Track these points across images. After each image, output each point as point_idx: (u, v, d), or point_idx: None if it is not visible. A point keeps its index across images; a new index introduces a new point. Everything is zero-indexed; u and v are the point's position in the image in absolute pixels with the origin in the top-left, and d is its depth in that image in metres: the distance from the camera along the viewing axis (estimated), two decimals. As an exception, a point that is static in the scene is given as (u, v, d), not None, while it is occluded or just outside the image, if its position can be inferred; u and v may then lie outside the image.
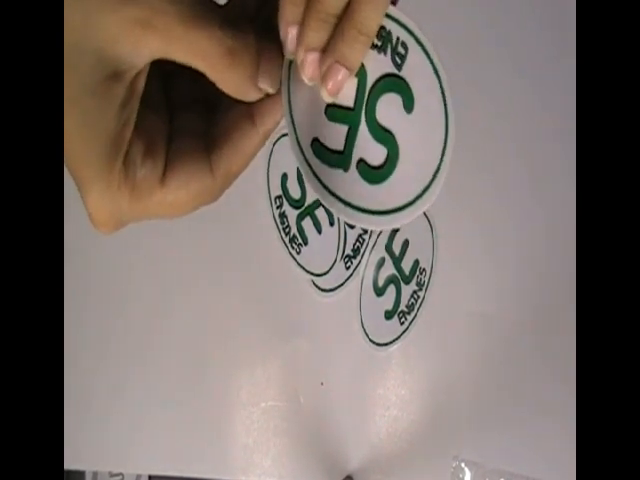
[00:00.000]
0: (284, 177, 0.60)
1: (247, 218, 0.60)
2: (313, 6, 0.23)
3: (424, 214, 0.59)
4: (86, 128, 0.21)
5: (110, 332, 0.62)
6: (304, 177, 0.25)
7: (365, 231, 0.60)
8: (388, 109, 0.24)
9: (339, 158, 0.25)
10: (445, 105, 0.24)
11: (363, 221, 0.25)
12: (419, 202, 0.24)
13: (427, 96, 0.24)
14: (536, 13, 0.56)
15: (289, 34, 0.23)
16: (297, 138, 0.25)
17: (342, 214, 0.25)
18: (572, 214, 0.56)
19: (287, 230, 0.60)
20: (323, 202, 0.25)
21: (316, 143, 0.25)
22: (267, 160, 0.61)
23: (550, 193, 0.56)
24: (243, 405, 0.59)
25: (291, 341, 0.59)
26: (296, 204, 0.60)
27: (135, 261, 0.62)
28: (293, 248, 0.60)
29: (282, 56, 0.24)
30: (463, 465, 0.56)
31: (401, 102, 0.24)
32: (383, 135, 0.25)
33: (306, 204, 0.60)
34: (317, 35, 0.23)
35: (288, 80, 0.25)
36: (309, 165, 0.25)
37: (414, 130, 0.25)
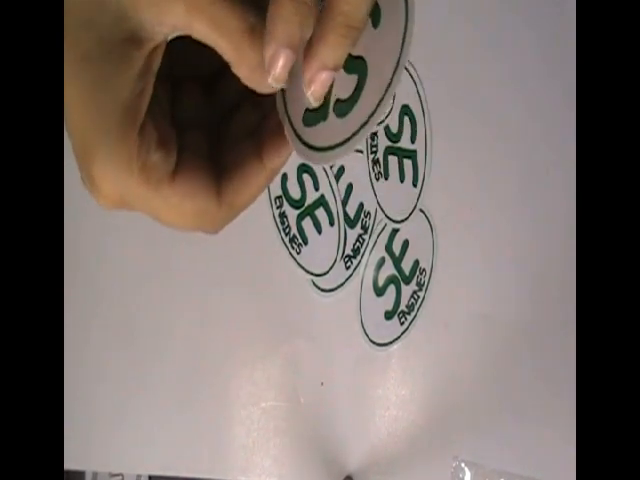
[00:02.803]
0: (284, 177, 0.60)
1: (247, 218, 0.60)
2: (334, 18, 0.21)
3: (424, 214, 0.59)
4: (99, 88, 0.20)
5: (110, 332, 0.62)
6: (293, 147, 0.24)
7: (365, 231, 0.60)
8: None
9: (320, 112, 0.24)
10: (407, 10, 0.22)
11: (327, 158, 0.23)
12: (376, 114, 0.23)
13: (392, 4, 0.23)
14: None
15: (281, 58, 0.21)
16: (287, 114, 0.24)
17: (323, 161, 0.24)
18: (572, 215, 0.56)
19: (287, 230, 0.60)
20: (311, 162, 0.24)
21: (306, 112, 0.24)
22: (267, 160, 0.61)
23: (550, 193, 0.56)
24: (243, 405, 0.59)
25: (291, 341, 0.59)
26: (296, 204, 0.60)
27: (135, 261, 0.62)
28: (293, 248, 0.60)
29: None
30: (463, 465, 0.56)
31: (370, 20, 0.23)
32: (353, 64, 0.23)
33: (306, 204, 0.60)
34: (337, 53, 0.21)
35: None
36: (297, 135, 0.24)
37: (379, 45, 0.23)
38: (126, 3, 0.19)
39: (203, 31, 0.21)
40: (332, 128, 0.24)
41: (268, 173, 0.24)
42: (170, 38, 0.23)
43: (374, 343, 0.59)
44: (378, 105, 0.23)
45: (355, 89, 0.24)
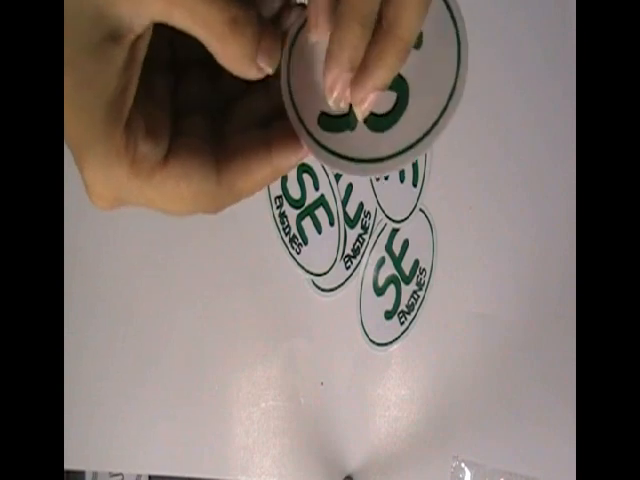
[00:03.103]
0: (284, 177, 0.60)
1: (247, 218, 0.60)
2: (394, 43, 0.21)
3: (424, 214, 0.59)
4: (84, 89, 0.20)
5: (110, 332, 0.62)
6: (311, 152, 0.24)
7: (365, 231, 0.60)
8: None
9: (344, 121, 0.24)
10: (458, 36, 0.23)
11: (373, 171, 0.24)
12: (429, 137, 0.24)
13: (437, 28, 0.23)
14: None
15: (341, 81, 0.22)
16: (299, 116, 0.24)
17: (352, 172, 0.24)
18: (572, 215, 0.56)
19: (287, 230, 0.60)
20: (334, 168, 0.24)
21: (323, 117, 0.24)
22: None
23: (550, 193, 0.56)
24: (243, 405, 0.59)
25: (291, 341, 0.59)
26: (296, 204, 0.60)
27: (135, 261, 0.62)
28: (293, 248, 0.60)
29: (282, 38, 0.24)
30: (463, 465, 0.56)
31: None
32: (393, 79, 0.23)
33: (306, 204, 0.60)
34: (390, 75, 0.22)
35: (288, 63, 0.24)
36: (314, 139, 0.24)
37: (423, 66, 0.23)
38: (101, 1, 0.19)
39: (184, 23, 0.20)
40: (366, 140, 0.24)
41: (275, 167, 0.24)
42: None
43: (374, 343, 0.59)
44: (432, 128, 0.24)
45: (395, 106, 0.24)
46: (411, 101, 0.24)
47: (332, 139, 0.24)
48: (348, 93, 0.22)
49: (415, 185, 0.57)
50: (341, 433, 0.58)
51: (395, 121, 0.24)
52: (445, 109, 0.24)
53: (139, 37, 0.21)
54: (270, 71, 0.23)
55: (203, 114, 0.25)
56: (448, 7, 0.24)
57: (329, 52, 0.21)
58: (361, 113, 0.23)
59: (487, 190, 0.57)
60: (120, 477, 0.81)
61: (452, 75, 0.24)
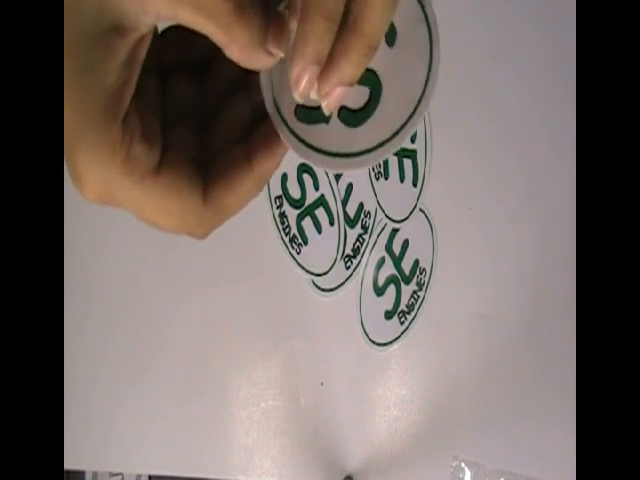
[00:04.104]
0: (284, 177, 0.60)
1: (247, 218, 0.60)
2: (358, 38, 0.21)
3: (424, 214, 0.59)
4: (85, 77, 0.20)
5: (110, 333, 0.62)
6: (286, 143, 0.24)
7: (365, 231, 0.60)
8: None
9: (319, 113, 0.24)
10: (430, 34, 0.24)
11: (345, 166, 0.24)
12: (401, 134, 0.24)
13: (410, 26, 0.24)
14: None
15: (307, 74, 0.22)
16: (277, 106, 0.25)
17: (325, 165, 0.24)
18: (573, 215, 0.56)
19: (287, 230, 0.60)
20: (308, 161, 0.24)
21: (300, 108, 0.25)
22: (267, 160, 0.61)
23: (550, 193, 0.56)
24: (243, 405, 0.59)
25: (291, 341, 0.59)
26: (296, 204, 0.60)
27: (135, 261, 0.62)
28: (293, 248, 0.60)
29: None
30: (463, 465, 0.56)
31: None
32: (365, 75, 0.24)
33: (306, 204, 0.60)
34: (356, 71, 0.22)
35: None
36: (290, 130, 0.24)
37: (397, 63, 0.24)
38: None
39: (189, 17, 0.20)
40: (340, 134, 0.24)
41: (257, 177, 0.24)
42: (160, 29, 0.22)
43: (374, 343, 0.59)
44: (404, 125, 0.24)
45: (368, 102, 0.24)
46: (384, 98, 0.24)
47: (308, 131, 0.24)
48: (316, 86, 0.23)
49: (415, 185, 0.57)
50: (341, 433, 0.58)
51: (368, 116, 0.24)
52: (417, 107, 0.24)
53: (142, 38, 0.21)
54: (281, 54, 0.22)
55: (188, 124, 0.25)
56: (421, 5, 0.24)
57: (294, 45, 0.21)
58: (327, 107, 0.23)
59: (487, 190, 0.57)
60: (120, 477, 0.81)
61: (424, 73, 0.24)
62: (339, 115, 0.24)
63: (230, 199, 0.24)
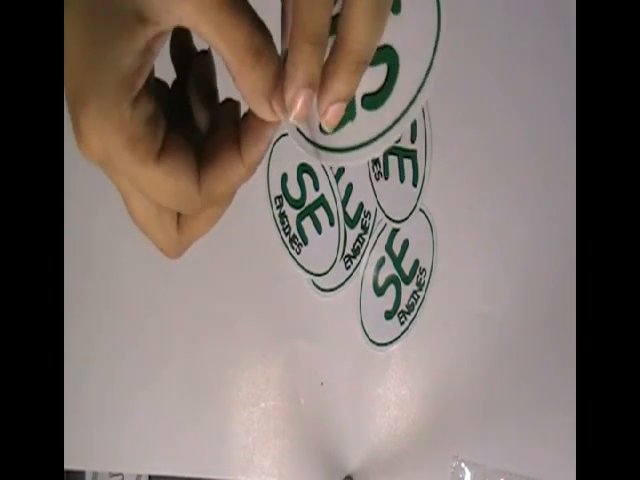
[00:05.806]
0: (284, 177, 0.60)
1: (247, 218, 0.60)
2: (345, 57, 0.22)
3: (424, 214, 0.59)
4: (102, 47, 0.20)
5: (110, 333, 0.62)
6: (319, 160, 0.25)
7: (365, 231, 0.60)
8: None
9: (346, 115, 0.24)
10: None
11: (381, 146, 0.24)
12: (418, 99, 0.24)
13: None
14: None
15: (301, 97, 0.22)
16: (312, 142, 0.25)
17: (363, 158, 0.24)
18: (572, 215, 0.56)
19: (287, 230, 0.60)
20: (347, 165, 0.24)
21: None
22: (267, 160, 0.61)
23: (550, 193, 0.56)
24: (243, 405, 0.59)
25: (291, 341, 0.59)
26: (296, 204, 0.60)
27: (134, 260, 0.62)
28: (293, 248, 0.60)
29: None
30: (463, 465, 0.56)
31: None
32: (378, 54, 0.24)
33: (306, 204, 0.60)
34: (349, 87, 0.23)
35: None
36: (317, 145, 0.25)
37: (407, 30, 0.24)
38: None
39: (210, 35, 0.21)
40: (367, 122, 0.24)
41: (245, 167, 0.24)
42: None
43: (374, 343, 0.59)
44: (421, 87, 0.24)
45: (386, 79, 0.24)
46: (401, 69, 0.24)
47: (334, 139, 0.25)
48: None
49: (415, 185, 0.57)
50: (341, 433, 0.58)
51: (389, 94, 0.24)
52: (431, 62, 0.24)
53: (160, 33, 0.21)
54: (282, 118, 0.23)
55: (190, 116, 0.25)
56: None
57: (285, 71, 0.22)
58: (327, 124, 0.23)
59: (487, 190, 0.57)
60: (120, 477, 0.81)
61: (434, 27, 0.24)
62: (362, 104, 0.24)
63: (221, 188, 0.24)
